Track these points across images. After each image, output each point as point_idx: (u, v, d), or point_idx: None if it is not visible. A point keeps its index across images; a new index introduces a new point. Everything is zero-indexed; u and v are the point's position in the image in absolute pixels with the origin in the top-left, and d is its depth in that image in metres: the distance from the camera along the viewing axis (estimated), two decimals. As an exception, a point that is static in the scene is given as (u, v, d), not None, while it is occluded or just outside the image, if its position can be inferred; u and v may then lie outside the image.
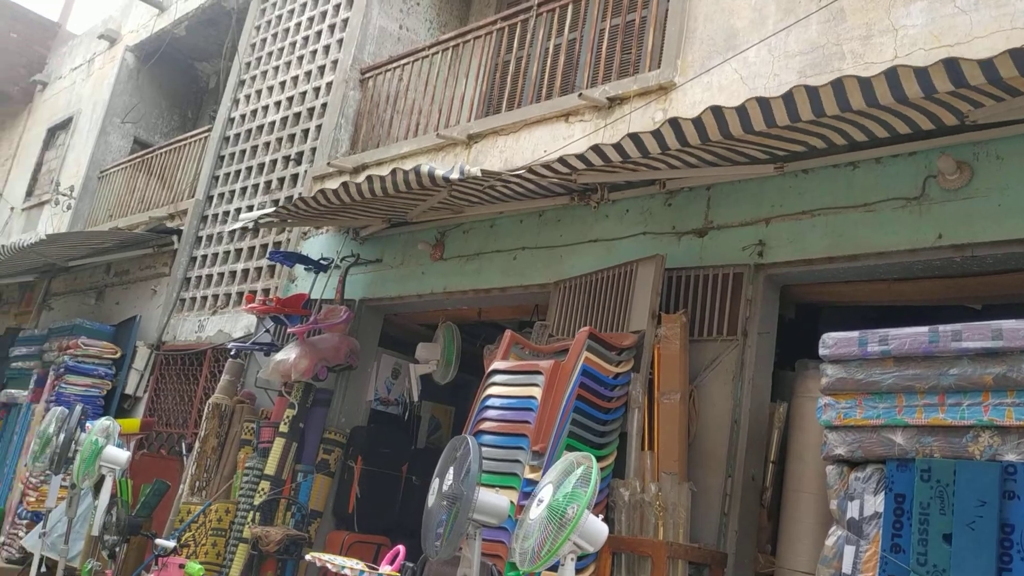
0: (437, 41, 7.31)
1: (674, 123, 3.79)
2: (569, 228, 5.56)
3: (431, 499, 3.53)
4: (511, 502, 3.69)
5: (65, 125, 13.73)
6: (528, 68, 6.50)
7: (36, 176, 14.08)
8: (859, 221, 4.21)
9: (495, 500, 3.44)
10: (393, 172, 5.10)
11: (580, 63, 6.18)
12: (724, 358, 4.49)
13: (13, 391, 10.53)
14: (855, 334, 3.45)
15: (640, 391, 4.43)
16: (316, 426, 6.59)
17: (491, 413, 4.45)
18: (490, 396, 4.52)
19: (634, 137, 3.96)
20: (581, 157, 4.30)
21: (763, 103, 3.60)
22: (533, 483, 3.87)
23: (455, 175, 4.78)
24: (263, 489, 6.24)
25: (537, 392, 4.30)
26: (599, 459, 3.88)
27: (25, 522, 8.23)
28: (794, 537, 4.14)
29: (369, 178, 5.32)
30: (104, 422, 5.70)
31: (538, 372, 4.37)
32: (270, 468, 6.27)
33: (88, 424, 5.92)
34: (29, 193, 13.95)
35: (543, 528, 3.09)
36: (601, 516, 3.45)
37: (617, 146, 4.09)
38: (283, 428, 6.38)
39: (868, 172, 4.25)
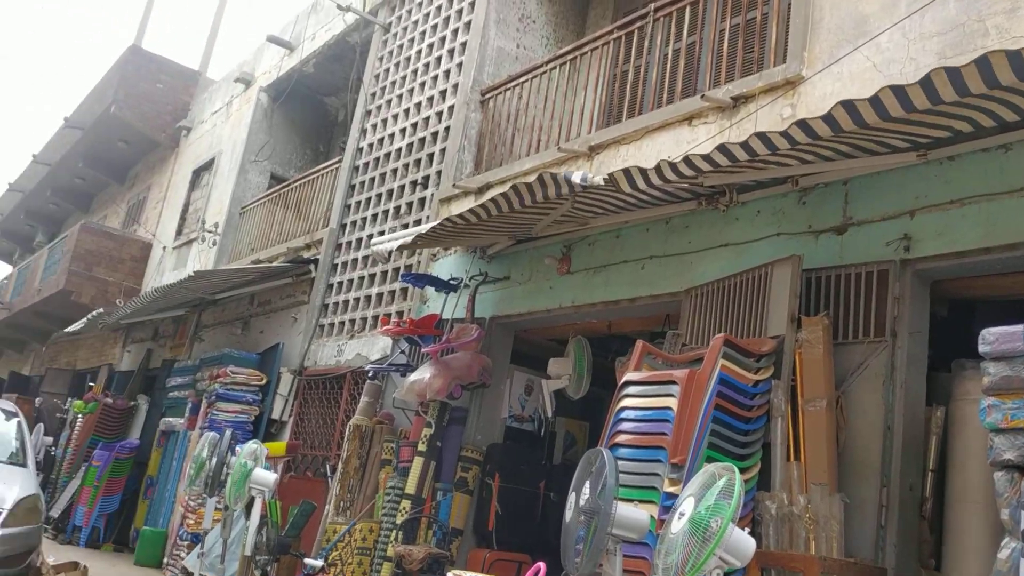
0: (554, 56, 7.31)
1: (803, 125, 3.62)
2: (698, 233, 5.41)
3: (568, 514, 3.47)
4: (651, 516, 3.58)
5: (208, 166, 14.52)
6: (647, 75, 6.40)
7: (184, 216, 14.95)
8: (1016, 207, 3.90)
9: (634, 514, 3.35)
10: (540, 177, 5.05)
11: (701, 66, 6.04)
12: (872, 361, 4.24)
13: (171, 419, 11.16)
14: (1019, 328, 3.18)
15: (782, 399, 4.24)
16: (453, 444, 6.65)
17: (626, 426, 4.36)
18: (624, 408, 4.43)
19: (762, 136, 3.81)
20: (707, 158, 4.17)
21: (898, 91, 3.39)
22: (673, 496, 3.75)
23: (576, 179, 4.74)
24: (404, 508, 6.33)
25: (673, 403, 4.17)
26: (742, 470, 3.72)
27: (186, 543, 8.66)
28: (960, 550, 3.85)
29: (514, 187, 5.27)
30: (252, 445, 5.92)
31: (673, 382, 4.25)
32: (410, 487, 6.37)
33: (238, 448, 6.17)
34: (179, 232, 14.81)
35: (686, 542, 2.98)
36: (747, 530, 3.31)
37: (744, 145, 3.95)
38: (421, 447, 6.46)
39: (1023, 154, 3.94)
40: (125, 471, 11.80)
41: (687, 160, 4.19)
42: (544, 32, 8.78)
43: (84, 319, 13.22)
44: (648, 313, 5.98)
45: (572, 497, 3.49)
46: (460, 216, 5.77)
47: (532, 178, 6.65)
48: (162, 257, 15.22)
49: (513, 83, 7.76)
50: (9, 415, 8.53)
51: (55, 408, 15.11)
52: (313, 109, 13.46)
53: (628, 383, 4.51)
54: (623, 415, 4.40)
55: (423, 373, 6.37)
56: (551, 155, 6.73)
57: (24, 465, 7.48)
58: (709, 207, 5.29)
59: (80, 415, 13.13)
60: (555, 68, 7.22)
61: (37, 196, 21.77)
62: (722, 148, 4.02)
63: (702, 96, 5.39)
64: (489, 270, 7.01)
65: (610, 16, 8.48)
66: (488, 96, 8.07)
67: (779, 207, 4.95)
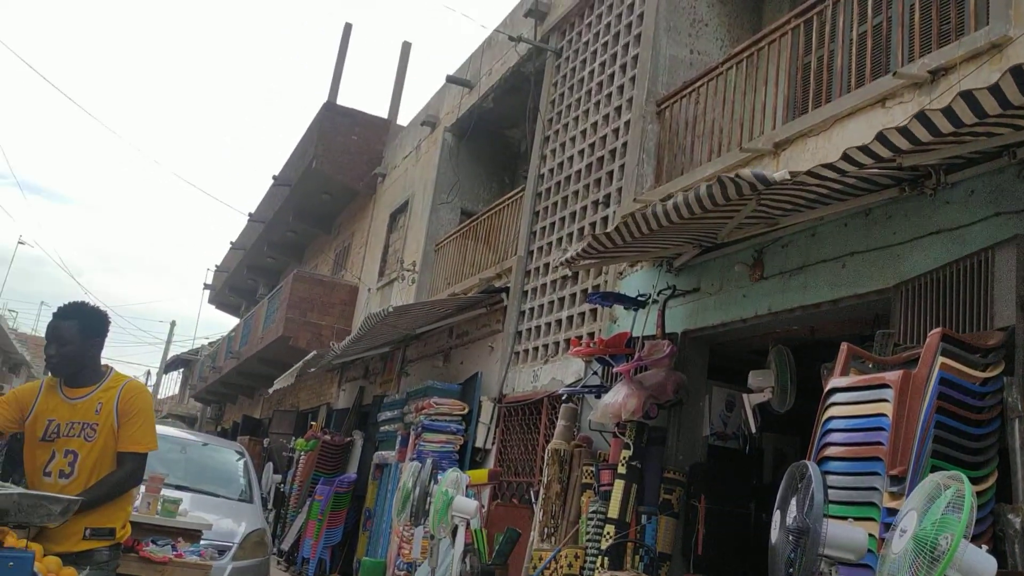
0: (730, 56, 7.02)
1: (1017, 72, 3.19)
2: (903, 223, 4.94)
3: (774, 534, 3.19)
4: (870, 535, 3.23)
5: (403, 208, 15.15)
6: (832, 62, 5.99)
7: (385, 257, 15.66)
8: None
9: (849, 533, 3.03)
10: (715, 183, 4.85)
11: (891, 44, 5.57)
12: None
13: (384, 452, 11.60)
14: None
15: (1018, 397, 3.73)
16: (654, 466, 6.43)
17: (835, 437, 4.00)
18: (831, 418, 4.07)
19: (967, 96, 3.39)
20: (903, 130, 3.77)
21: None
22: (895, 512, 3.37)
23: (758, 180, 4.45)
24: (608, 533, 6.17)
25: (887, 408, 3.79)
26: (976, 480, 3.30)
27: (403, 573, 8.90)
28: None
29: (674, 201, 5.12)
30: (452, 474, 5.98)
31: (885, 386, 3.86)
32: (612, 511, 6.20)
33: (440, 477, 6.26)
34: (381, 274, 15.52)
35: (912, 563, 2.64)
36: (986, 548, 2.90)
37: (947, 111, 3.53)
38: (621, 469, 6.29)
39: None
40: (345, 504, 12.38)
41: (881, 137, 3.81)
42: (718, 34, 8.48)
43: (299, 364, 14.06)
44: (854, 315, 5.54)
45: (777, 516, 3.21)
46: (616, 230, 5.60)
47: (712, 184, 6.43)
48: (367, 299, 15.99)
49: (689, 89, 7.52)
50: (238, 455, 9.17)
51: (282, 447, 16.16)
52: (496, 142, 13.74)
53: (834, 390, 4.15)
54: (831, 425, 4.05)
55: (617, 393, 6.21)
56: (734, 157, 6.44)
57: (251, 501, 7.98)
58: (914, 192, 4.82)
59: (303, 453, 13.94)
60: (731, 68, 6.93)
61: (256, 252, 23.62)
62: (920, 116, 3.62)
63: (894, 73, 4.96)
64: (677, 283, 6.77)
65: (786, 7, 8.06)
66: (664, 106, 7.87)
67: (996, 184, 4.42)
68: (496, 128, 13.42)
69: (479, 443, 9.52)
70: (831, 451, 3.98)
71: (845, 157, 4.05)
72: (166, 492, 6.25)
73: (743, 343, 6.81)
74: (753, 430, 6.52)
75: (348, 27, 19.10)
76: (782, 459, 7.36)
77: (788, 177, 4.42)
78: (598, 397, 7.02)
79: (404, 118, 18.00)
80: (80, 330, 3.66)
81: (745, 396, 6.49)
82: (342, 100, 21.62)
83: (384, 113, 18.37)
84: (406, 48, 18.88)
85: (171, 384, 43.82)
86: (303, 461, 13.80)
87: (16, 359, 47.36)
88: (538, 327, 9.03)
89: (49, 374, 3.79)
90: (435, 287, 12.83)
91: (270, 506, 13.28)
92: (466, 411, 9.83)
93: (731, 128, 6.78)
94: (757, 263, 5.99)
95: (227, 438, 18.92)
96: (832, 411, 4.09)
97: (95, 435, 3.62)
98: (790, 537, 3.05)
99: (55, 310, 3.72)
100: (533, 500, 7.87)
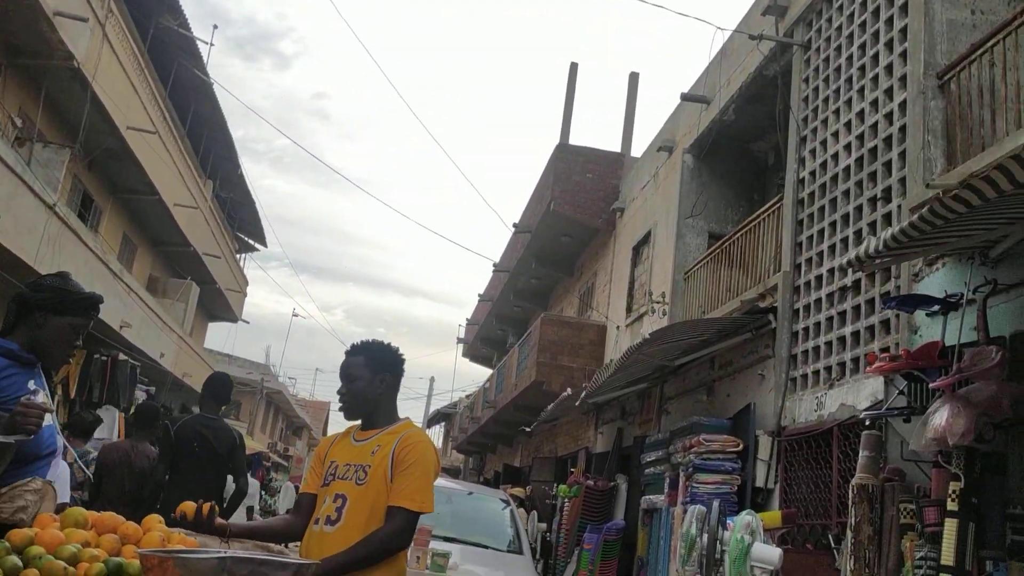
0: (1031, 2, 5.87)
1: None
2: None
3: None
4: None
5: (645, 240, 14.57)
6: None
7: (631, 292, 15.10)
8: None
9: None
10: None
11: None
12: None
13: (652, 497, 10.90)
14: None
15: None
16: (993, 500, 5.28)
17: None
18: None
19: None
20: None
21: None
22: None
23: None
24: (944, 583, 5.09)
25: None
26: None
27: (688, 629, 8.10)
28: None
29: None
30: (746, 517, 5.22)
31: None
32: (947, 557, 5.11)
33: (728, 521, 5.50)
34: (628, 309, 14.96)
35: None
36: None
37: None
38: (952, 506, 5.20)
39: None
40: (615, 553, 11.74)
41: None
42: (1004, -13, 7.25)
43: (554, 403, 13.75)
44: None
45: None
46: (942, 207, 4.63)
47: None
48: (617, 336, 15.47)
49: (979, 52, 6.39)
50: (504, 504, 8.86)
51: (544, 495, 15.86)
52: (740, 159, 12.86)
53: None
54: None
55: (938, 414, 5.17)
56: (1055, 118, 5.28)
57: (520, 552, 7.58)
58: None
59: (566, 499, 13.52)
60: (1034, 16, 5.78)
61: (503, 302, 23.91)
62: None
63: None
64: (998, 276, 5.62)
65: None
66: (948, 77, 6.75)
67: None
68: (739, 143, 12.56)
69: (759, 482, 8.58)
70: None
71: None
72: (434, 544, 5.97)
73: (1095, 343, 5.51)
74: (1126, 450, 5.21)
75: (574, 67, 18.99)
76: None
77: None
78: (907, 421, 5.98)
79: (637, 149, 17.51)
80: (367, 364, 3.37)
81: (1109, 408, 5.21)
82: (574, 139, 21.41)
83: (617, 147, 17.98)
84: (634, 79, 18.45)
85: (435, 438, 45.64)
86: (567, 508, 13.37)
87: (298, 423, 51.51)
88: (816, 348, 8.02)
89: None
90: (689, 316, 12.05)
91: (538, 556, 12.89)
92: (740, 447, 8.93)
93: (1044, 86, 5.62)
94: (1111, 239, 4.79)
95: (490, 487, 18.99)
96: None
97: (366, 478, 3.20)
98: None
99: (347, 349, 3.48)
100: (833, 544, 6.85)
